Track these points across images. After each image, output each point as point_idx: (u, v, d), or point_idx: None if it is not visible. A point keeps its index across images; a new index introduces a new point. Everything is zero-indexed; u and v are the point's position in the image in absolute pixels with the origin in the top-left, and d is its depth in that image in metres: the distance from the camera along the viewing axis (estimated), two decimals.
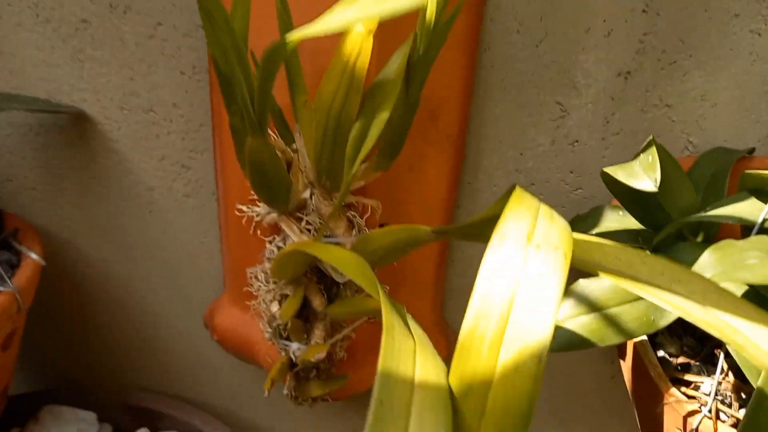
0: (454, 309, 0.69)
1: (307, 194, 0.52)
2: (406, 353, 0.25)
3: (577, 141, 0.58)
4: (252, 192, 0.56)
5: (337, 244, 0.53)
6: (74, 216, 0.66)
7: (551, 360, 0.71)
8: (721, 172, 0.54)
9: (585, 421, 0.75)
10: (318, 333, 0.56)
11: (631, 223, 0.55)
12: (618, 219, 0.55)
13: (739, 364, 0.40)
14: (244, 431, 0.79)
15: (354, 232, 0.54)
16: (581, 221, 0.58)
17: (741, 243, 0.43)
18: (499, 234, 0.26)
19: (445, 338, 0.67)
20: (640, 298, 0.46)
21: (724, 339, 0.26)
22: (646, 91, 0.55)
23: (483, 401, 0.25)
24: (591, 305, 0.46)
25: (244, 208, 0.56)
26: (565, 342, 0.46)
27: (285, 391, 0.62)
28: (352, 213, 0.54)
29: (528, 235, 0.26)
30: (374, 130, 0.43)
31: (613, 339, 0.46)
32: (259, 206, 0.55)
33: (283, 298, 0.56)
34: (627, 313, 0.46)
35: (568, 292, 0.48)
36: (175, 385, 0.77)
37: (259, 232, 0.59)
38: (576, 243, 0.31)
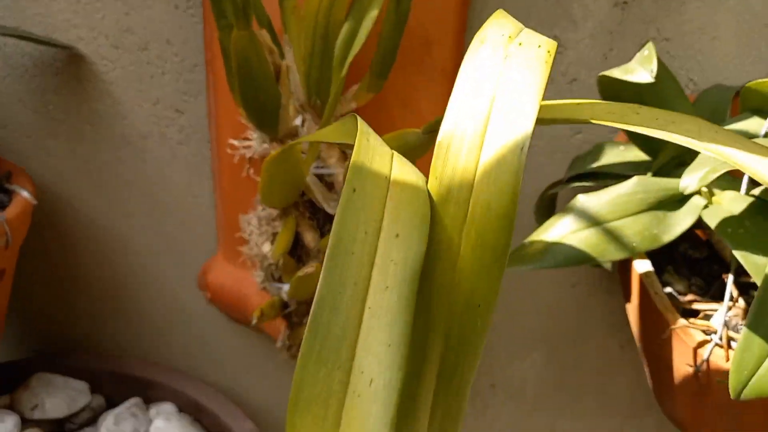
0: None
1: (298, 121, 0.51)
2: (382, 155, 0.24)
3: (575, 79, 0.57)
4: (244, 128, 0.55)
5: (329, 175, 0.52)
6: (67, 165, 0.65)
7: (556, 333, 0.69)
8: (722, 105, 0.53)
9: (595, 393, 0.72)
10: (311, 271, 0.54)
11: (632, 155, 0.53)
12: (619, 153, 0.54)
13: (743, 263, 0.38)
14: (238, 401, 0.76)
15: (347, 164, 0.53)
16: (580, 160, 0.56)
17: None
18: (480, 37, 0.25)
19: None
20: (642, 211, 0.44)
21: (729, 162, 0.25)
22: (644, 24, 0.54)
23: (464, 207, 0.23)
24: (591, 219, 0.44)
25: (236, 142, 0.55)
26: (563, 258, 0.44)
27: (278, 343, 0.60)
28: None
29: (510, 36, 0.24)
30: (363, 31, 0.42)
31: (614, 254, 0.44)
32: (251, 138, 0.54)
33: (275, 237, 0.54)
34: (628, 227, 0.44)
35: (566, 209, 0.46)
36: (168, 354, 0.75)
37: (252, 171, 0.58)
38: (565, 105, 0.30)
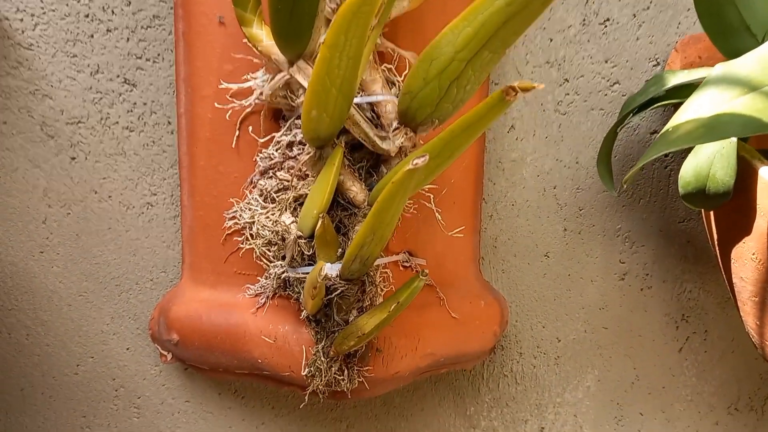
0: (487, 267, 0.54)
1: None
2: None
3: (608, 19, 0.51)
4: (236, 77, 0.41)
5: (375, 103, 0.39)
6: None
7: (608, 344, 0.57)
8: None
9: (658, 414, 0.59)
10: None
11: (702, 73, 0.46)
12: (685, 74, 0.47)
13: None
14: None
15: (393, 91, 0.40)
16: (639, 95, 0.48)
17: None
18: None
19: (497, 301, 0.51)
20: None
21: None
22: None
23: None
24: (745, 85, 0.35)
25: (232, 86, 0.41)
26: (740, 126, 0.34)
27: (305, 370, 0.42)
28: (387, 66, 0.41)
29: None
30: None
31: None
32: (255, 77, 0.40)
33: (300, 202, 0.39)
34: None
35: (704, 84, 0.37)
36: None
37: (251, 129, 0.43)
38: None
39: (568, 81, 0.52)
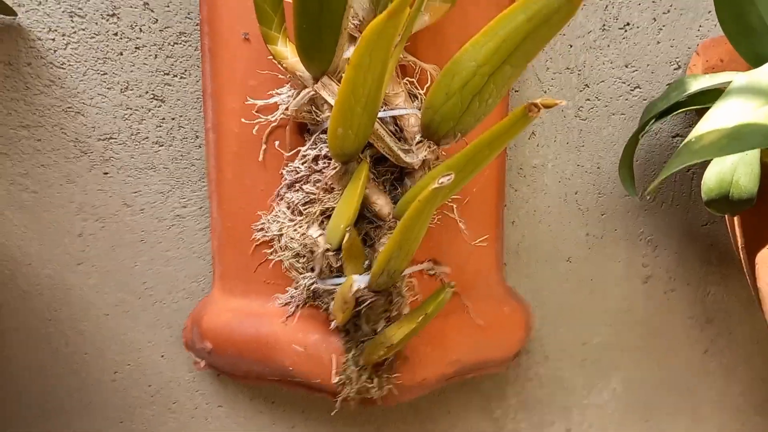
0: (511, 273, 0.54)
1: (350, 52, 0.39)
2: None
3: (627, 24, 0.51)
4: (261, 93, 0.42)
5: (398, 117, 0.39)
6: None
7: (633, 347, 0.57)
8: None
9: (684, 416, 0.59)
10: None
11: (724, 77, 0.46)
12: (707, 79, 0.47)
13: None
14: None
15: (416, 104, 0.41)
16: (660, 101, 0.49)
17: None
18: None
19: (521, 306, 0.51)
20: None
21: None
22: None
23: None
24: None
25: (259, 102, 0.42)
26: (761, 136, 0.34)
27: (335, 378, 0.43)
28: (409, 79, 0.41)
29: None
30: None
31: None
32: (280, 92, 0.41)
33: (327, 215, 0.40)
34: None
35: (726, 94, 0.37)
36: None
37: (277, 144, 0.44)
38: None
39: (588, 86, 0.52)
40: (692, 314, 0.58)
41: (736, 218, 0.48)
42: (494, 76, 0.34)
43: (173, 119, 0.47)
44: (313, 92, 0.39)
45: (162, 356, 0.52)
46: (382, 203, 0.39)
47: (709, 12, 0.52)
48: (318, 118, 0.40)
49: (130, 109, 0.46)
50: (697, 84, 0.47)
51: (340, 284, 0.39)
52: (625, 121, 0.53)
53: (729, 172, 0.42)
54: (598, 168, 0.53)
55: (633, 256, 0.55)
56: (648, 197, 0.53)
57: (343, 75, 0.39)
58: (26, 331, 0.49)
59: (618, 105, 0.52)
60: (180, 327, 0.51)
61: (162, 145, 0.47)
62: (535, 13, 0.31)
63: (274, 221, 0.43)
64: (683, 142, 0.36)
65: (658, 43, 0.52)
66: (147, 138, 0.47)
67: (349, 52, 0.39)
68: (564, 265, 0.55)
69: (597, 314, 0.56)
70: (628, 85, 0.52)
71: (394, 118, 0.39)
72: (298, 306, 0.44)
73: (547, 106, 0.30)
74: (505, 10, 0.32)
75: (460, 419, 0.57)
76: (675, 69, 0.52)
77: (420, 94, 0.41)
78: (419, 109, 0.40)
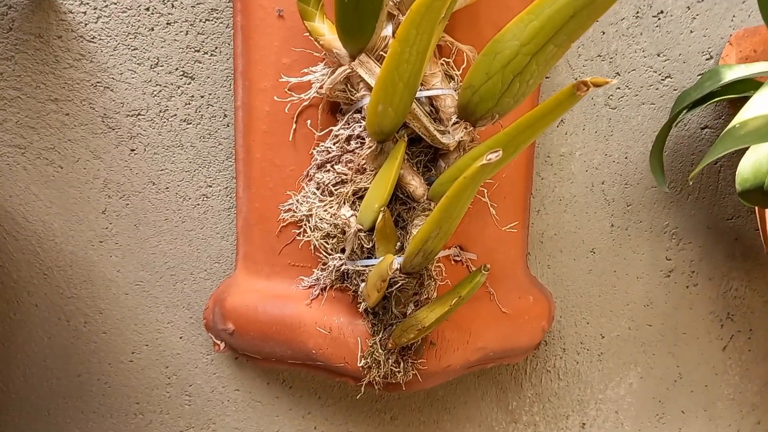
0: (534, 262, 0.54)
1: (389, 30, 0.39)
2: None
3: (661, 12, 0.51)
4: (295, 71, 0.42)
5: (434, 97, 0.39)
6: (17, 162, 0.46)
7: (651, 342, 0.57)
8: None
9: (700, 413, 0.59)
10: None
11: (760, 67, 0.46)
12: (742, 69, 0.46)
13: None
14: None
15: (452, 85, 0.40)
16: (693, 90, 0.48)
17: None
18: None
19: (544, 296, 0.51)
20: None
21: None
22: None
23: None
24: None
25: (292, 80, 0.41)
26: None
27: (361, 362, 0.43)
28: (446, 60, 0.41)
29: None
30: None
31: None
32: (314, 71, 0.41)
33: (359, 195, 0.39)
34: None
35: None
36: None
37: (309, 122, 0.43)
38: None
39: (619, 74, 0.51)
40: (713, 310, 0.57)
41: (767, 211, 0.47)
42: (537, 55, 0.34)
43: (202, 97, 0.47)
44: (349, 70, 0.38)
45: (180, 338, 0.51)
46: (416, 184, 0.38)
47: (744, 2, 0.51)
48: (352, 98, 0.40)
49: (159, 85, 0.46)
50: (732, 74, 0.46)
51: (370, 265, 0.39)
52: (655, 111, 0.52)
53: (765, 162, 0.41)
54: (626, 158, 0.53)
55: (656, 249, 0.55)
56: (690, 183, 0.53)
57: (382, 53, 0.38)
58: (47, 308, 0.49)
59: (648, 94, 0.52)
60: (200, 308, 0.51)
61: (190, 123, 0.47)
62: None
63: (303, 201, 0.43)
64: (726, 129, 0.35)
65: (691, 32, 0.51)
66: (175, 115, 0.47)
67: (387, 29, 0.39)
68: (587, 256, 0.54)
69: (617, 308, 0.56)
70: (659, 74, 0.52)
71: (429, 98, 0.39)
72: (323, 288, 0.44)
73: (597, 85, 0.30)
74: None
75: (475, 409, 0.57)
76: (707, 59, 0.52)
77: (456, 75, 0.41)
78: (456, 90, 0.39)
